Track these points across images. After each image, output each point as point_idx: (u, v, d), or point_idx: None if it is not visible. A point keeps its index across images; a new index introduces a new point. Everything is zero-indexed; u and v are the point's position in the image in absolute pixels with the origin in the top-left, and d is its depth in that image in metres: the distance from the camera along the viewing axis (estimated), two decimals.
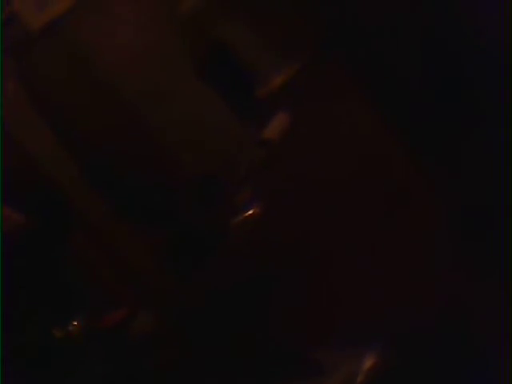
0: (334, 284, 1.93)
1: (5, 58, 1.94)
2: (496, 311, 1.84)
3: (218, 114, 2.01)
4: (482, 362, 1.79)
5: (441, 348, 1.81)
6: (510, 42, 1.90)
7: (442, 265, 1.94)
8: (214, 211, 2.02)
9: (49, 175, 1.93)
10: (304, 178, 2.00)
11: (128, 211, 2.01)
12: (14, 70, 1.95)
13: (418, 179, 1.99)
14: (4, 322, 1.85)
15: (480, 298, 1.89)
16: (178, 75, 2.02)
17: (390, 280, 1.92)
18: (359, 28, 2.02)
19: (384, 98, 1.99)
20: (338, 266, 1.94)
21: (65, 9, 1.99)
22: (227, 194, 2.01)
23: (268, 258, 1.97)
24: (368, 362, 1.77)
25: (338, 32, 2.03)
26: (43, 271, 1.94)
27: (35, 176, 1.92)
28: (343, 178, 1.99)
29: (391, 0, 1.99)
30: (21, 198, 1.91)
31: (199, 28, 2.04)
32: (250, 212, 2.00)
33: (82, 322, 1.89)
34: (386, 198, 1.99)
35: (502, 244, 1.89)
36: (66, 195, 1.96)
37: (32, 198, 1.92)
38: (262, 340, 1.93)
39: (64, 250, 1.97)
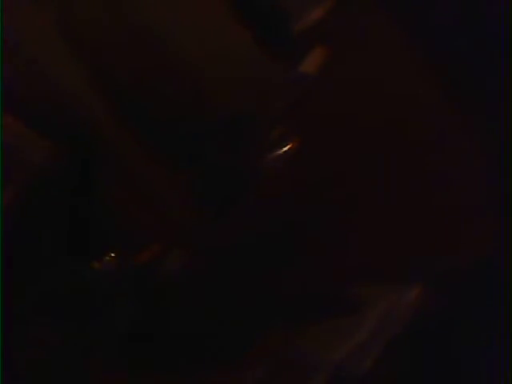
0: (369, 221, 1.91)
1: None
2: None
3: (252, 50, 1.98)
4: None
5: (479, 288, 1.80)
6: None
7: (477, 206, 1.92)
8: (247, 148, 1.99)
9: (81, 106, 1.89)
10: (339, 114, 1.97)
11: (160, 149, 1.99)
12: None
13: (455, 119, 1.97)
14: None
15: None
16: (211, 12, 1.99)
17: (426, 219, 1.90)
18: None
19: (422, 34, 1.96)
20: (373, 204, 1.92)
21: None
22: (261, 131, 1.99)
23: (301, 195, 1.96)
24: (406, 297, 1.76)
25: None
26: (72, 206, 1.92)
27: (64, 104, 1.88)
28: (379, 116, 1.97)
29: None
30: (49, 125, 1.87)
31: None
32: (284, 149, 1.98)
33: (118, 256, 1.87)
34: (421, 139, 1.97)
35: None
36: (98, 129, 1.93)
37: (61, 126, 1.88)
38: (293, 279, 1.92)
39: (94, 185, 1.95)
